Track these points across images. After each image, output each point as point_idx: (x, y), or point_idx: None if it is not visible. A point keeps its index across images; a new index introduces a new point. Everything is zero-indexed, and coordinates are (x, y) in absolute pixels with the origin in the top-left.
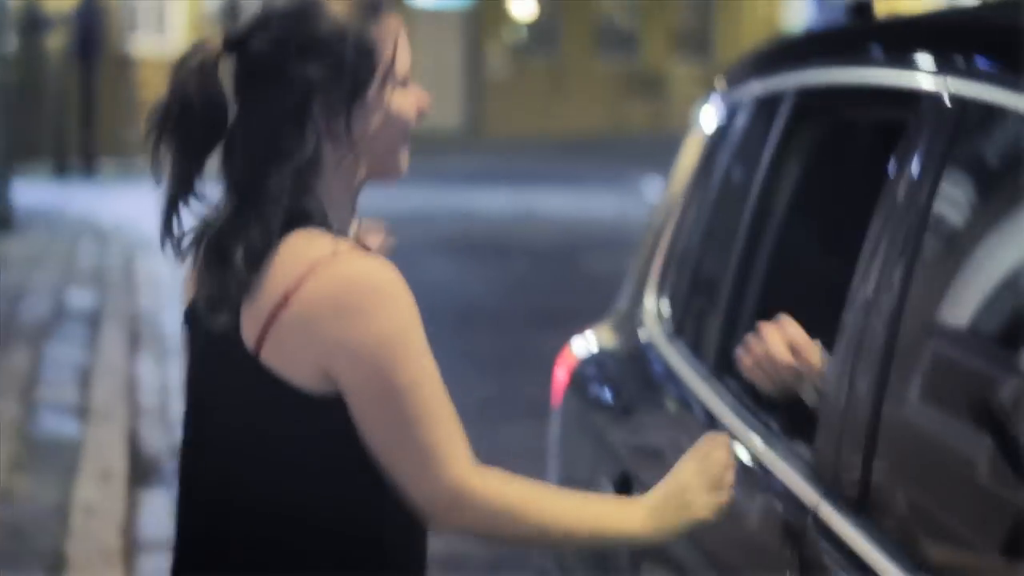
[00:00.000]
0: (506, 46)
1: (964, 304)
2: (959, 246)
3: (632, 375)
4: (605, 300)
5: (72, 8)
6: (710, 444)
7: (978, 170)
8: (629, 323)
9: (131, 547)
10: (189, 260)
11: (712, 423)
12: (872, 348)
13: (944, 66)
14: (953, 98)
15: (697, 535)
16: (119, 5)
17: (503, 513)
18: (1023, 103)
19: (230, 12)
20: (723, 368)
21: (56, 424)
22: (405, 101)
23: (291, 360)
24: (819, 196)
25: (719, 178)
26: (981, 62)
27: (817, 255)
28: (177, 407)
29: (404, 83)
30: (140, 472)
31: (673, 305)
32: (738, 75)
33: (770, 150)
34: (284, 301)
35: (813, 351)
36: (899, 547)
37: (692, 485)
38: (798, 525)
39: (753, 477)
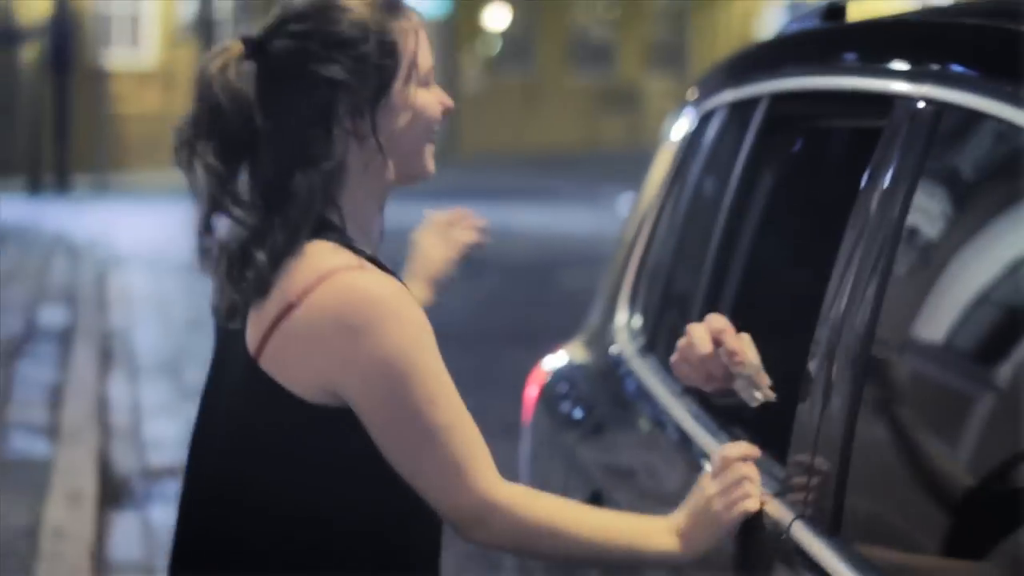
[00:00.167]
0: (480, 60)
1: (939, 318)
2: (934, 257)
3: (603, 391)
4: (579, 316)
5: (44, 21)
6: (726, 453)
7: (954, 177)
8: (601, 339)
9: (101, 569)
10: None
11: (684, 440)
12: (845, 363)
13: (918, 70)
14: (928, 103)
15: None
16: (92, 18)
17: (534, 527)
18: (1000, 108)
19: (203, 25)
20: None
21: (26, 444)
22: (430, 99)
23: (289, 369)
24: (793, 206)
25: (691, 189)
26: (956, 66)
27: (792, 266)
28: (148, 428)
29: (427, 82)
30: (110, 493)
31: (645, 320)
32: (710, 84)
33: (743, 159)
34: (287, 310)
35: (740, 341)
36: (872, 568)
37: (715, 497)
38: (770, 544)
39: None
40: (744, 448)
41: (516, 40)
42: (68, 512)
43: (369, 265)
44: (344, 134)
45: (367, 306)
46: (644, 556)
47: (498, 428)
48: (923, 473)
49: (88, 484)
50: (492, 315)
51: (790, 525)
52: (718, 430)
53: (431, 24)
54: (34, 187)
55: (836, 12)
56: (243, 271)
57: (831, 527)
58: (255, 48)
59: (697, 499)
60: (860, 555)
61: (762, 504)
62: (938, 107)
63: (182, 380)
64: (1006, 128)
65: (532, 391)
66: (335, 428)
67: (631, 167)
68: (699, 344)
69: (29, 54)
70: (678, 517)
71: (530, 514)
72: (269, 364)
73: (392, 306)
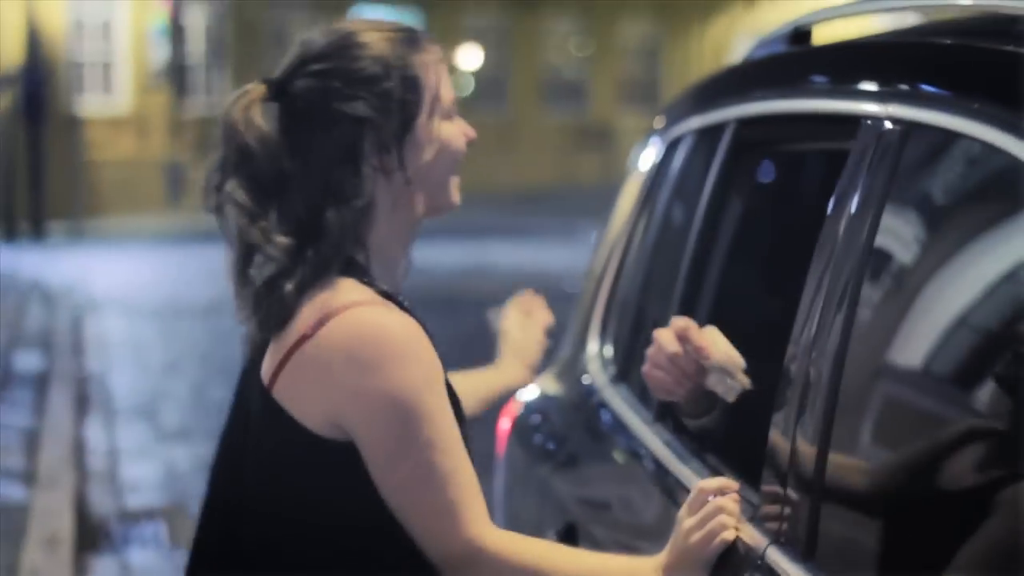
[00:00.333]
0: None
1: (910, 342)
2: (904, 281)
3: (576, 422)
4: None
5: (17, 68)
6: (703, 485)
7: (922, 198)
8: (572, 369)
9: None
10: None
11: (657, 467)
12: (816, 388)
13: (883, 91)
14: (894, 123)
15: None
16: (64, 65)
17: (523, 570)
18: (968, 126)
19: (175, 71)
20: (667, 412)
21: (3, 489)
22: (454, 131)
23: (300, 401)
24: (762, 230)
25: (659, 217)
26: (923, 86)
27: (762, 292)
28: (125, 470)
29: (450, 114)
30: (88, 537)
31: (616, 349)
32: (676, 111)
33: (710, 185)
34: (300, 342)
35: (704, 335)
36: None
37: (692, 529)
38: (746, 569)
39: None
40: (721, 482)
41: (489, 80)
42: (45, 556)
43: (387, 303)
44: (372, 171)
45: (377, 342)
46: None
47: (475, 460)
48: (897, 497)
49: (65, 528)
50: (468, 351)
51: (765, 550)
52: (691, 457)
53: None
54: (9, 234)
55: (802, 36)
56: (269, 304)
57: (806, 552)
58: (277, 89)
59: (676, 534)
60: None
61: (737, 530)
62: (905, 127)
63: (158, 423)
64: (975, 147)
65: (505, 424)
66: (342, 461)
67: (606, 203)
68: (666, 344)
69: (2, 102)
70: (662, 555)
71: (519, 560)
72: (281, 395)
73: (402, 344)
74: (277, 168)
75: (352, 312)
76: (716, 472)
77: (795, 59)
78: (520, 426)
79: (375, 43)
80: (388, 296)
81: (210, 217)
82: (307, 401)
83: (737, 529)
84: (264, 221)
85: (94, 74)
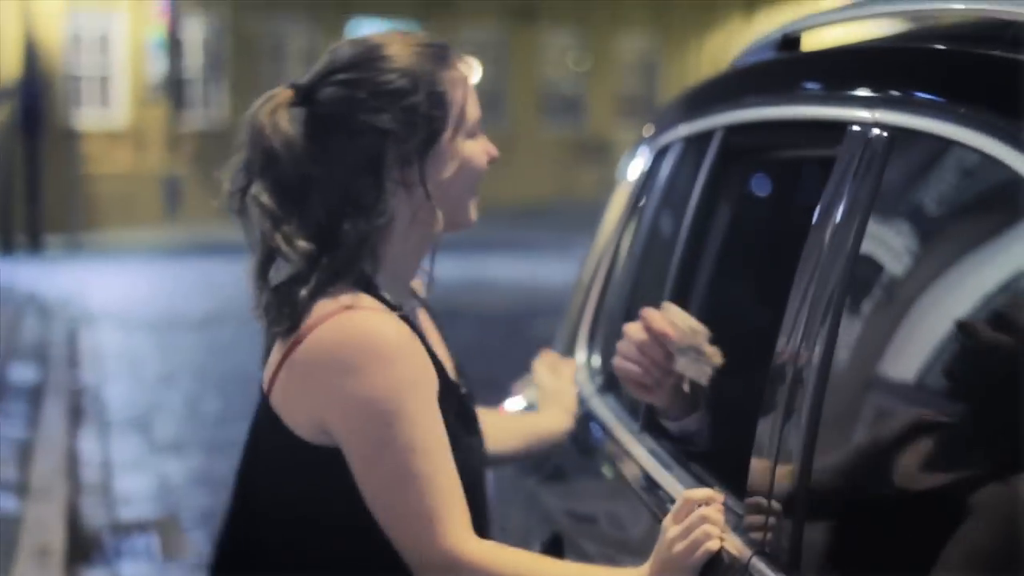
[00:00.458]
0: None
1: (895, 352)
2: (890, 291)
3: None
4: None
5: (14, 82)
6: (688, 495)
7: (909, 204)
8: None
9: None
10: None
11: (643, 477)
12: (801, 398)
13: (870, 97)
14: (881, 128)
15: None
16: (62, 79)
17: None
18: (957, 132)
19: (173, 85)
20: (653, 422)
21: None
22: (476, 149)
23: (290, 406)
24: (749, 238)
25: (646, 225)
26: (910, 92)
27: (750, 300)
28: (118, 483)
29: (474, 132)
30: (79, 550)
31: (603, 360)
32: (665, 119)
33: (698, 193)
34: (292, 348)
35: (665, 319)
36: None
37: (676, 539)
38: None
39: None
40: (707, 492)
41: (487, 94)
42: (37, 568)
43: (383, 309)
44: (393, 184)
45: (362, 344)
46: None
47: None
48: (881, 508)
49: (57, 540)
50: (467, 364)
51: (750, 560)
52: (677, 466)
53: None
54: (5, 247)
55: (790, 42)
56: (279, 307)
57: (790, 563)
58: (304, 95)
59: (660, 544)
60: None
61: (721, 541)
62: (892, 133)
63: (152, 435)
64: (964, 153)
65: None
66: (330, 467)
67: (603, 217)
68: (633, 334)
69: None
70: (646, 565)
71: (498, 571)
72: (276, 400)
73: (388, 347)
74: (301, 173)
75: (341, 316)
76: (702, 482)
77: (782, 65)
78: None
79: (403, 57)
80: (391, 307)
81: (208, 231)
82: (296, 406)
83: (722, 539)
84: (286, 225)
85: (92, 87)
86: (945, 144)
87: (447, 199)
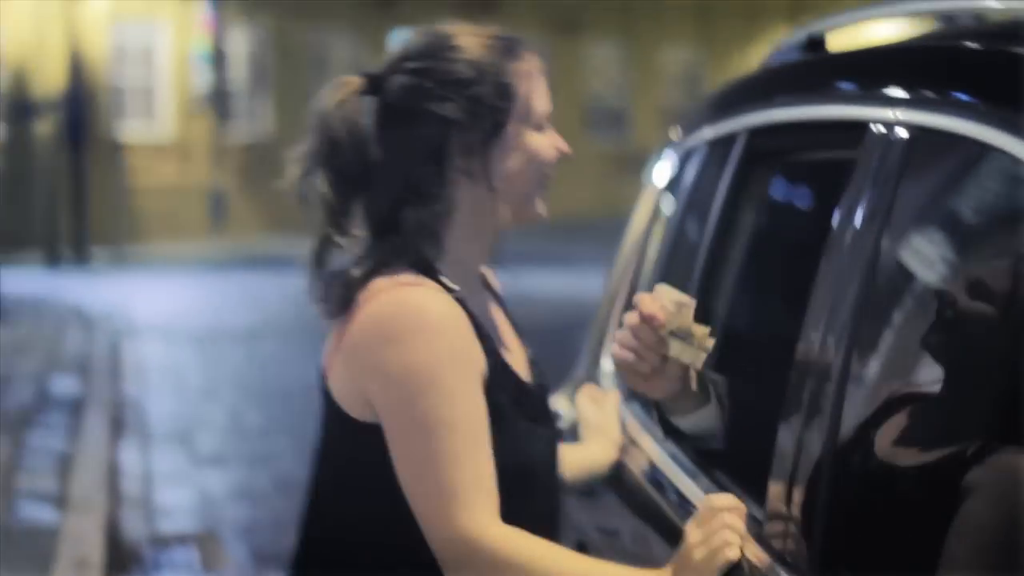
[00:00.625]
0: None
1: (917, 359)
2: (913, 295)
3: None
4: None
5: (59, 94)
6: (712, 502)
7: (931, 208)
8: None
9: None
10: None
11: (666, 484)
12: (822, 405)
13: (892, 97)
14: (903, 129)
15: None
16: (106, 91)
17: (517, 569)
18: (980, 131)
19: (218, 97)
20: (666, 423)
21: (34, 513)
22: (544, 143)
23: (342, 386)
24: (773, 241)
25: (672, 229)
26: (934, 91)
27: (773, 304)
28: (159, 495)
29: (541, 126)
30: (118, 561)
31: None
32: (691, 122)
33: (721, 195)
34: (346, 327)
35: (654, 303)
36: None
37: (697, 546)
38: None
39: None
40: (730, 500)
41: None
42: None
43: (438, 288)
44: (455, 173)
45: (407, 316)
46: None
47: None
48: (905, 518)
49: (95, 552)
50: None
51: (770, 569)
52: (699, 473)
53: None
54: (52, 259)
55: (815, 44)
56: (335, 290)
57: (811, 573)
58: (374, 84)
59: (681, 549)
60: None
61: (742, 549)
62: (915, 133)
63: (194, 448)
64: (988, 153)
65: None
66: (375, 444)
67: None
68: (627, 319)
69: (44, 127)
70: (666, 568)
71: (516, 557)
72: (331, 383)
73: (432, 320)
74: (364, 161)
75: (393, 291)
76: (724, 489)
77: (803, 67)
78: None
79: (471, 47)
80: (446, 289)
81: (252, 244)
82: (346, 385)
83: (742, 548)
84: (346, 213)
85: (136, 99)
86: (971, 145)
87: (512, 192)
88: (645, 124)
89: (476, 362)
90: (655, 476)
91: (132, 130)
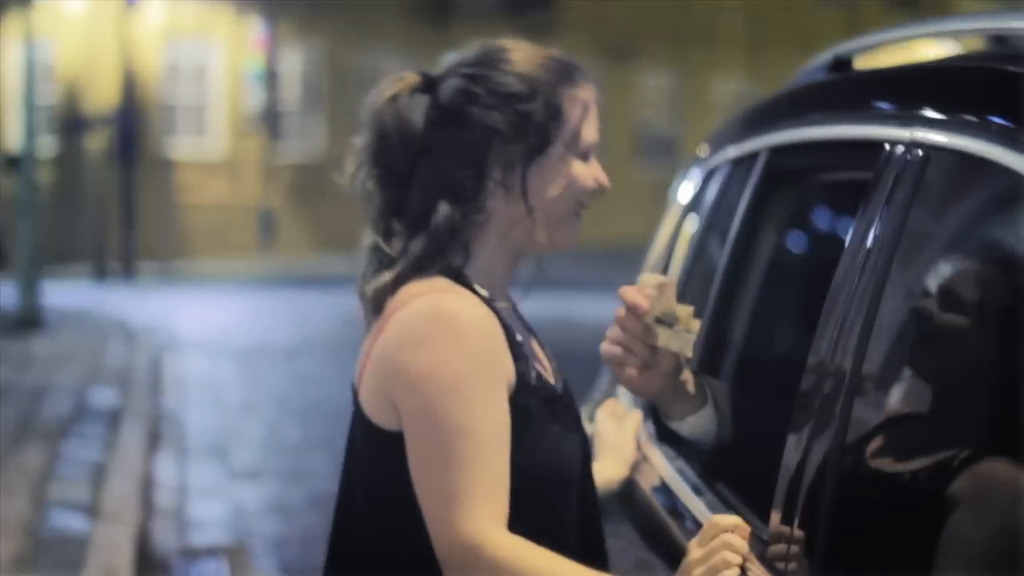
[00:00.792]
0: None
1: (931, 379)
2: (920, 314)
3: None
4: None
5: (111, 110)
6: (715, 521)
7: (944, 226)
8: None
9: None
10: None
11: (675, 500)
12: (828, 423)
13: (908, 117)
14: (919, 149)
15: None
16: (158, 108)
17: None
18: (997, 152)
19: (270, 116)
20: (678, 440)
21: (65, 521)
22: (585, 171)
23: (370, 395)
24: (792, 260)
25: (693, 247)
26: (951, 112)
27: (788, 322)
28: (192, 508)
29: (586, 155)
30: (147, 571)
31: None
32: (717, 140)
33: (741, 214)
34: (378, 334)
35: (639, 293)
36: None
37: (696, 564)
38: None
39: None
40: (734, 520)
41: None
42: None
43: (471, 296)
44: (493, 184)
45: (437, 320)
46: None
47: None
48: (911, 542)
49: (124, 562)
50: None
51: None
52: (705, 489)
53: None
54: (100, 273)
55: (842, 63)
56: (369, 292)
57: None
58: (429, 83)
59: (682, 565)
60: None
61: (742, 569)
62: (929, 152)
63: (230, 462)
64: (1004, 173)
65: None
66: (404, 455)
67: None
68: (617, 314)
69: (96, 143)
70: None
71: (517, 566)
72: (363, 396)
73: (461, 324)
74: (409, 159)
75: (426, 296)
76: (730, 507)
77: (824, 86)
78: None
79: (527, 63)
80: (480, 297)
81: (300, 263)
82: (375, 395)
83: (743, 567)
84: (389, 212)
85: (188, 117)
86: (987, 166)
87: (546, 214)
88: (694, 152)
89: (503, 369)
90: (662, 492)
91: (183, 147)
